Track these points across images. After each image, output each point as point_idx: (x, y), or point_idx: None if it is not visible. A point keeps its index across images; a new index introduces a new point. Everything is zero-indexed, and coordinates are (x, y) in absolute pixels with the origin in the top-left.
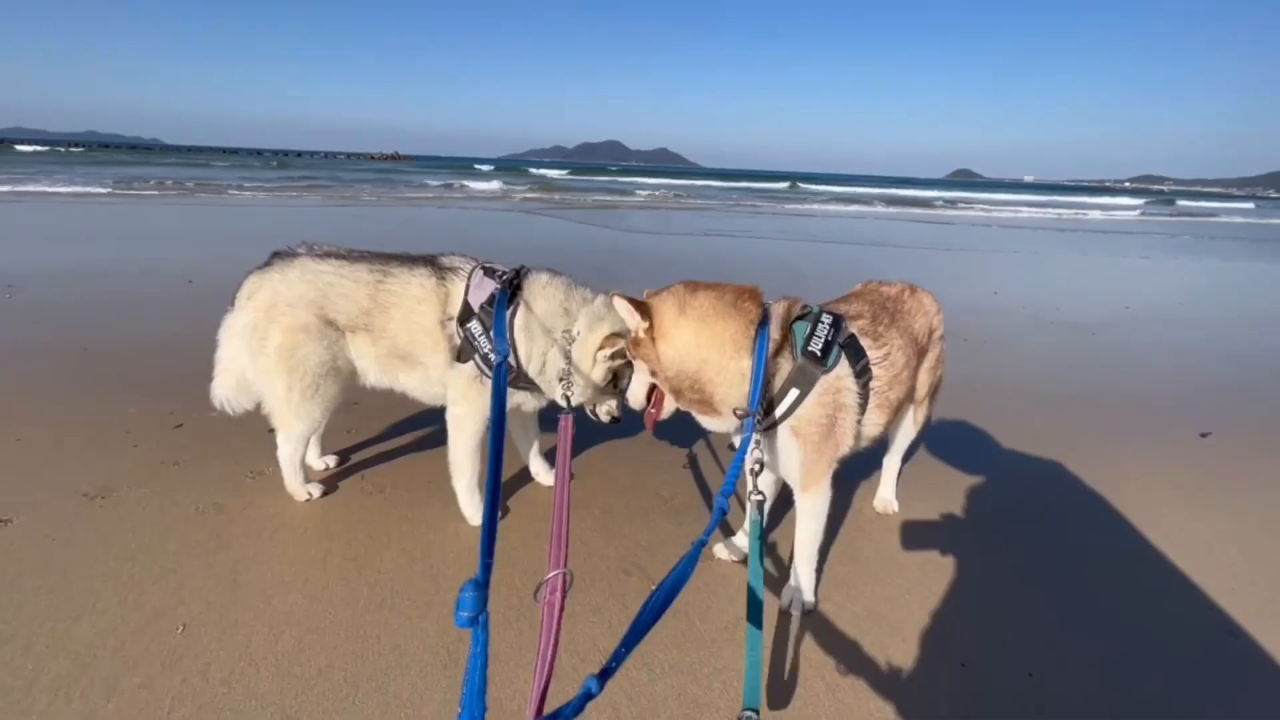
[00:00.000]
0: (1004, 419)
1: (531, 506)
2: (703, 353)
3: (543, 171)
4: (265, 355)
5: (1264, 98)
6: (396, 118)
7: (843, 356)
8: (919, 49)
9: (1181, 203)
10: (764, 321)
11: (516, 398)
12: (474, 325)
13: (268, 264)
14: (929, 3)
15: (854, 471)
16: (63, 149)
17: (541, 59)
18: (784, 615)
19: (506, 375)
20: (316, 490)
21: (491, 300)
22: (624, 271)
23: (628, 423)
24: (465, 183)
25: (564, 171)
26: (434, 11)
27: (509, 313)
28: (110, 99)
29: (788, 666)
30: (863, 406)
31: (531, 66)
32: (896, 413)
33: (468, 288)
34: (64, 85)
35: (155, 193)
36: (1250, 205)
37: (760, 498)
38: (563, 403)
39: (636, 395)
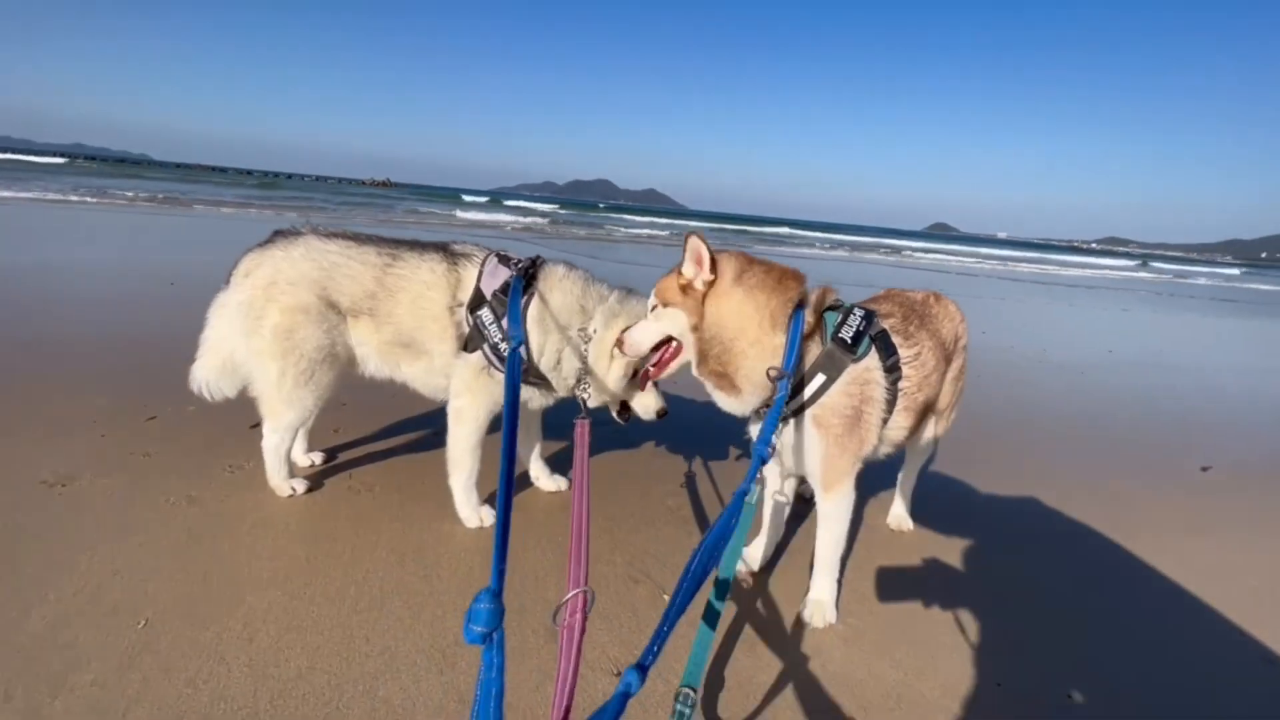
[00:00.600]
0: (1005, 449)
1: (530, 512)
2: (743, 321)
3: (533, 205)
4: (259, 335)
5: (1221, 171)
6: (389, 145)
7: (873, 349)
8: (904, 104)
9: (1175, 266)
10: (800, 304)
11: (524, 393)
12: (485, 313)
13: (269, 241)
14: (913, 63)
15: (864, 487)
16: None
17: (538, 96)
18: (801, 626)
19: (520, 361)
20: (301, 486)
21: (505, 289)
22: None
23: (630, 434)
24: (456, 211)
25: (554, 206)
26: (433, 47)
27: (522, 302)
28: (98, 112)
29: (811, 682)
30: (890, 405)
31: (527, 102)
32: (920, 419)
33: (481, 274)
34: (52, 96)
35: (143, 201)
36: (1236, 271)
37: (782, 499)
38: (581, 404)
39: (641, 342)
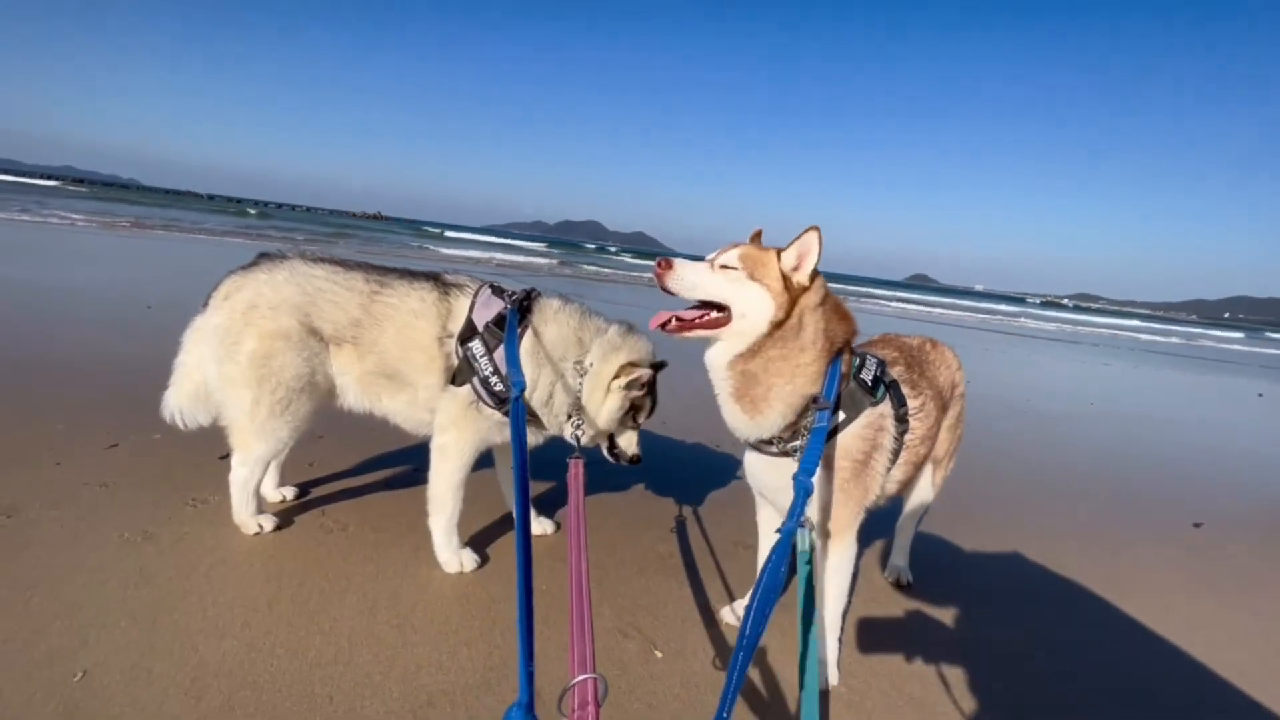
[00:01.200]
0: (996, 501)
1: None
2: (814, 339)
3: (522, 243)
4: (234, 362)
5: (1185, 234)
6: (380, 179)
7: (888, 396)
8: (888, 157)
9: (1149, 324)
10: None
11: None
12: (476, 345)
13: (253, 264)
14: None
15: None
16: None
17: (532, 138)
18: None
19: (525, 413)
20: (269, 523)
21: (498, 321)
22: None
23: (618, 473)
24: (442, 249)
25: (543, 245)
26: (427, 87)
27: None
28: (88, 135)
29: None
30: (895, 456)
31: (521, 143)
32: (917, 470)
33: (473, 305)
34: (41, 118)
35: (124, 225)
36: (1240, 334)
37: (811, 539)
38: (572, 442)
39: (700, 285)
